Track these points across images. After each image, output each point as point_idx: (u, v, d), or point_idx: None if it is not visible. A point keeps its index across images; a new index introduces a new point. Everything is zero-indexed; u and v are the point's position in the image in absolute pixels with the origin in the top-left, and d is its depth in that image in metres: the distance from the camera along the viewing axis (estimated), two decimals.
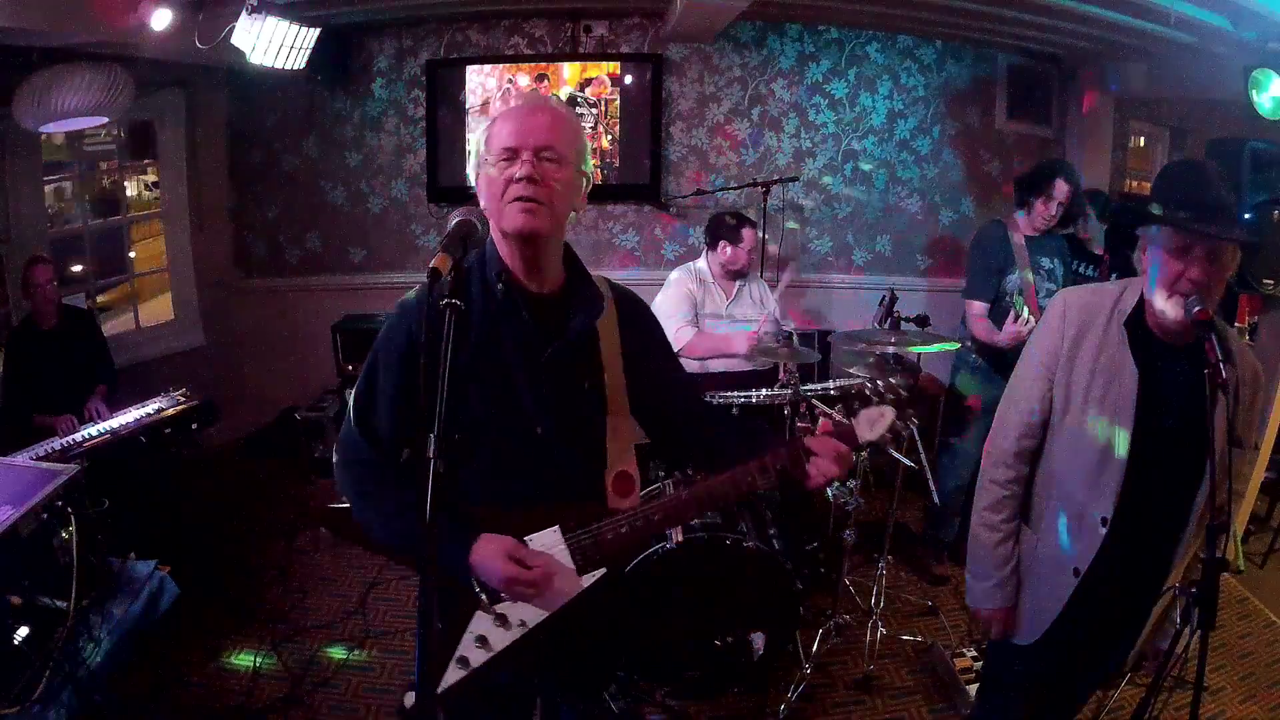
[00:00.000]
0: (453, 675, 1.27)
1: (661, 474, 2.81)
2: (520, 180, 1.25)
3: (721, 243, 3.46)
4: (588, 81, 4.60)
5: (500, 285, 1.33)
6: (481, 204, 1.35)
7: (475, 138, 1.36)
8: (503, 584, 1.24)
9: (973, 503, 1.83)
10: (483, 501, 1.32)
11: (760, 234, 4.42)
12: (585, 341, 1.39)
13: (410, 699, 1.30)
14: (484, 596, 1.26)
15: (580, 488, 1.38)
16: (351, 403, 1.41)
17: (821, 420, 1.41)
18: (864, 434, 1.40)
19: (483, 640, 1.26)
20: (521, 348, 1.33)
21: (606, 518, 1.35)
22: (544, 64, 4.60)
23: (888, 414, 1.40)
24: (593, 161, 1.44)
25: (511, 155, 1.27)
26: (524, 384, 1.33)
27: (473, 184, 1.37)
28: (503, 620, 1.27)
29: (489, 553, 1.25)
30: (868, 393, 1.43)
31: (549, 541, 1.31)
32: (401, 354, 1.34)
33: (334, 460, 1.42)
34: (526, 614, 1.28)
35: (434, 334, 1.10)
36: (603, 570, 1.33)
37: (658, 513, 1.36)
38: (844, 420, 1.43)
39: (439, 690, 1.25)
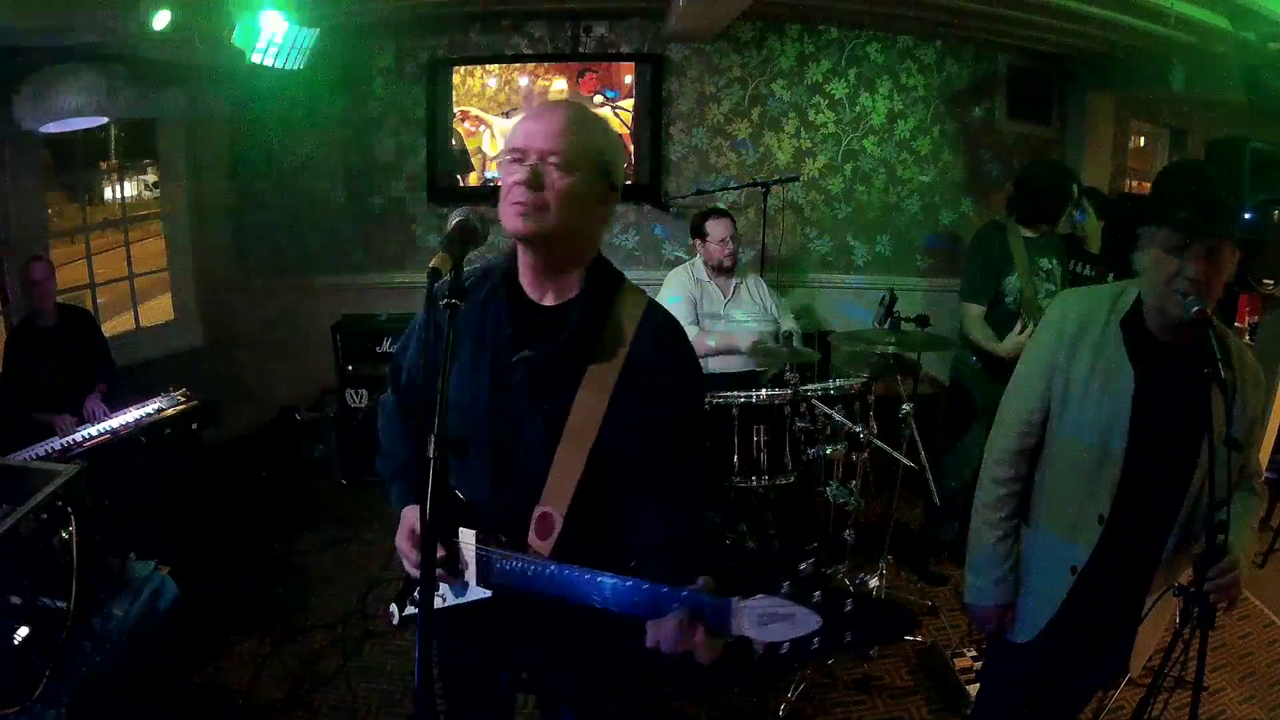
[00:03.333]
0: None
1: None
2: (517, 183, 1.23)
3: (697, 240, 3.49)
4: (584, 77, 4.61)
5: (495, 287, 1.34)
6: None
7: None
8: (401, 550, 1.37)
9: (973, 501, 1.83)
10: (453, 486, 1.39)
11: (761, 230, 4.44)
12: (564, 364, 1.29)
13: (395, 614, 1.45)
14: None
15: (507, 511, 1.32)
16: (395, 354, 1.53)
17: (706, 579, 1.12)
18: (742, 627, 1.07)
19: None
20: (497, 354, 1.31)
21: (514, 553, 1.29)
22: (544, 64, 4.61)
23: (801, 620, 1.02)
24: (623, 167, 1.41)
25: (520, 157, 1.25)
26: (488, 389, 1.32)
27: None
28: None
29: (404, 523, 1.37)
30: None
31: (467, 539, 1.34)
32: (420, 325, 1.43)
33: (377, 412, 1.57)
34: (445, 591, 1.38)
35: (435, 333, 1.09)
36: (487, 594, 1.33)
37: (551, 580, 1.22)
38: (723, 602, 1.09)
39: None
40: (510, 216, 1.24)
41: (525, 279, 1.33)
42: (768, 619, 1.02)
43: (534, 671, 1.48)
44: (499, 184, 1.30)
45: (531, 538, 1.30)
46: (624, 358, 1.28)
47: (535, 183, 1.22)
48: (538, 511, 1.30)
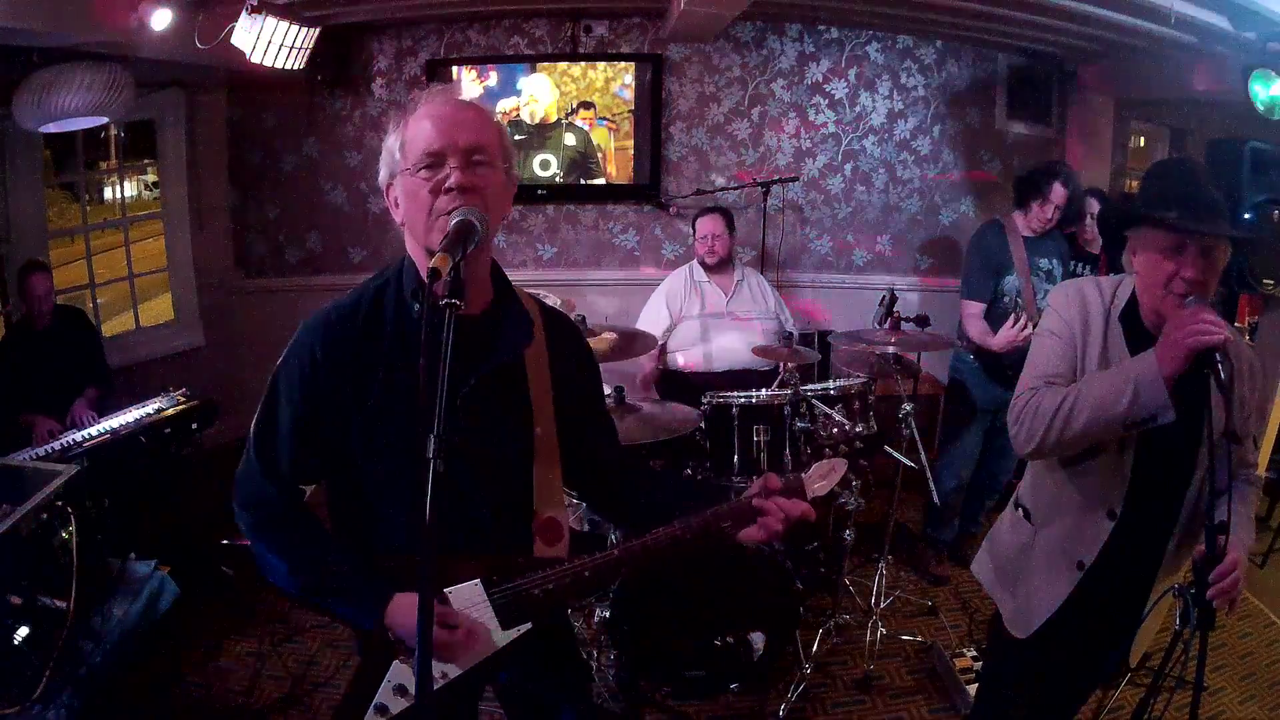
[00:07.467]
0: None
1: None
2: (453, 190, 1.14)
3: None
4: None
5: (417, 305, 1.21)
6: (398, 218, 1.23)
7: (387, 142, 1.24)
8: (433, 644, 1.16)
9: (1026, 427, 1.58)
10: (397, 546, 1.22)
11: (761, 230, 4.44)
12: (512, 370, 1.28)
13: None
14: (401, 647, 1.19)
15: (504, 535, 1.27)
16: (251, 435, 1.28)
17: (769, 476, 1.27)
18: (814, 489, 1.28)
19: (401, 689, 1.20)
20: (450, 372, 1.21)
21: (532, 571, 1.24)
22: (544, 64, 4.60)
23: (839, 467, 1.30)
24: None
25: (437, 160, 1.16)
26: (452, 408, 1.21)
27: (384, 194, 1.25)
28: None
29: (408, 612, 1.12)
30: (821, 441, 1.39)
31: (469, 595, 1.21)
32: (303, 379, 1.22)
33: (233, 501, 1.31)
34: (447, 667, 1.20)
35: (431, 336, 1.04)
36: (527, 625, 1.24)
37: (588, 569, 1.24)
38: (794, 476, 1.29)
39: None
40: (446, 230, 1.14)
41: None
42: (824, 475, 1.31)
43: (521, 679, 1.45)
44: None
45: (539, 549, 1.27)
46: (544, 336, 1.33)
47: (471, 186, 1.17)
48: (538, 521, 1.27)
